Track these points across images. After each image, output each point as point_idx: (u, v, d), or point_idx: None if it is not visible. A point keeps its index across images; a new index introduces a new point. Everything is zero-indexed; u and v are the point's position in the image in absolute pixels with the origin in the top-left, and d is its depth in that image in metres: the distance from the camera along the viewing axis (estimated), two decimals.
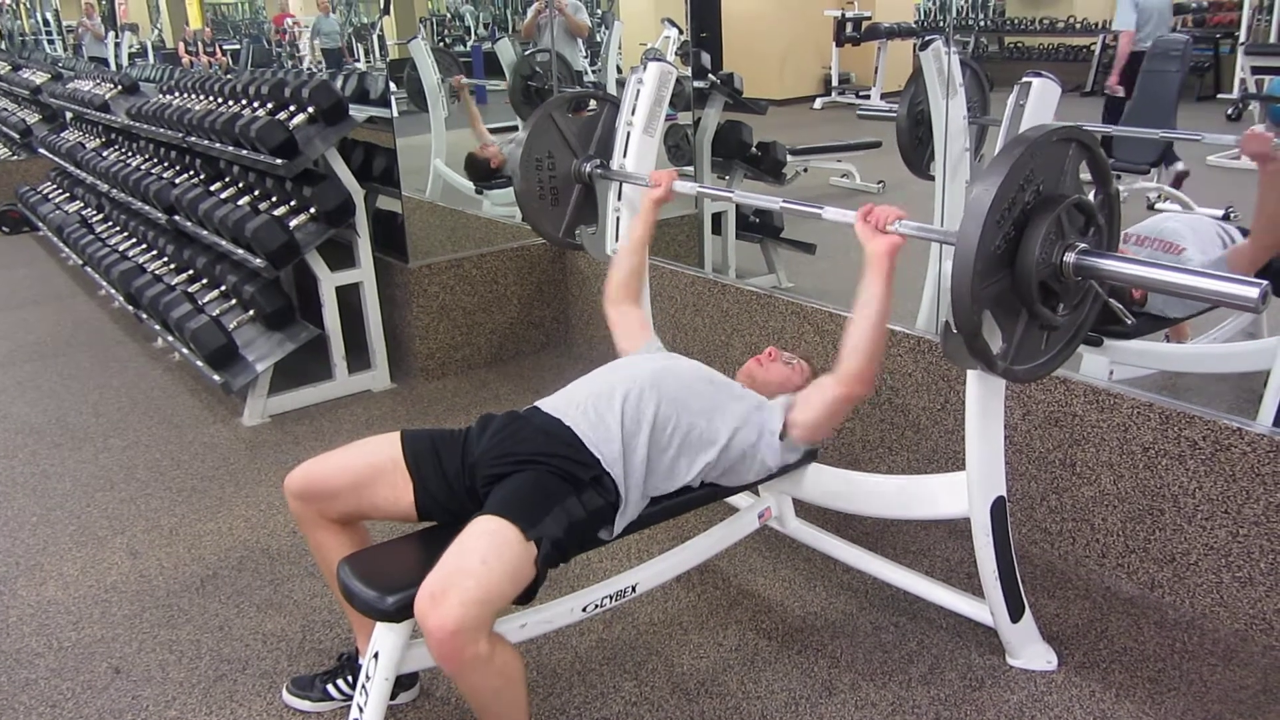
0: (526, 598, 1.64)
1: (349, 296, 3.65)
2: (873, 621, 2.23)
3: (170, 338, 3.82)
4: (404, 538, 1.83)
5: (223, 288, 3.74)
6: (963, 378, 1.91)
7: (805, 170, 5.87)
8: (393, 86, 3.96)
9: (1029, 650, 2.05)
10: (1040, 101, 1.79)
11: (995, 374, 1.71)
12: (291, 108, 3.51)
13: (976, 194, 1.53)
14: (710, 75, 4.35)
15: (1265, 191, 2.50)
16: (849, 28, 8.98)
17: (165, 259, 4.24)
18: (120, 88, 5.32)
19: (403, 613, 1.60)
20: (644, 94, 2.51)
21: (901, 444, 2.73)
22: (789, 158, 4.65)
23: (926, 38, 3.24)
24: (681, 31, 5.03)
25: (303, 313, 3.69)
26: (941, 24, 7.97)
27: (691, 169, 4.23)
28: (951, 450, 2.60)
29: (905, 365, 2.64)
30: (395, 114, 3.72)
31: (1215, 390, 2.94)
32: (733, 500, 2.39)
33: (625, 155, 2.54)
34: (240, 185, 3.81)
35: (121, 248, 4.59)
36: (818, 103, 9.18)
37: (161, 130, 4.31)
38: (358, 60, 7.74)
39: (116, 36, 9.06)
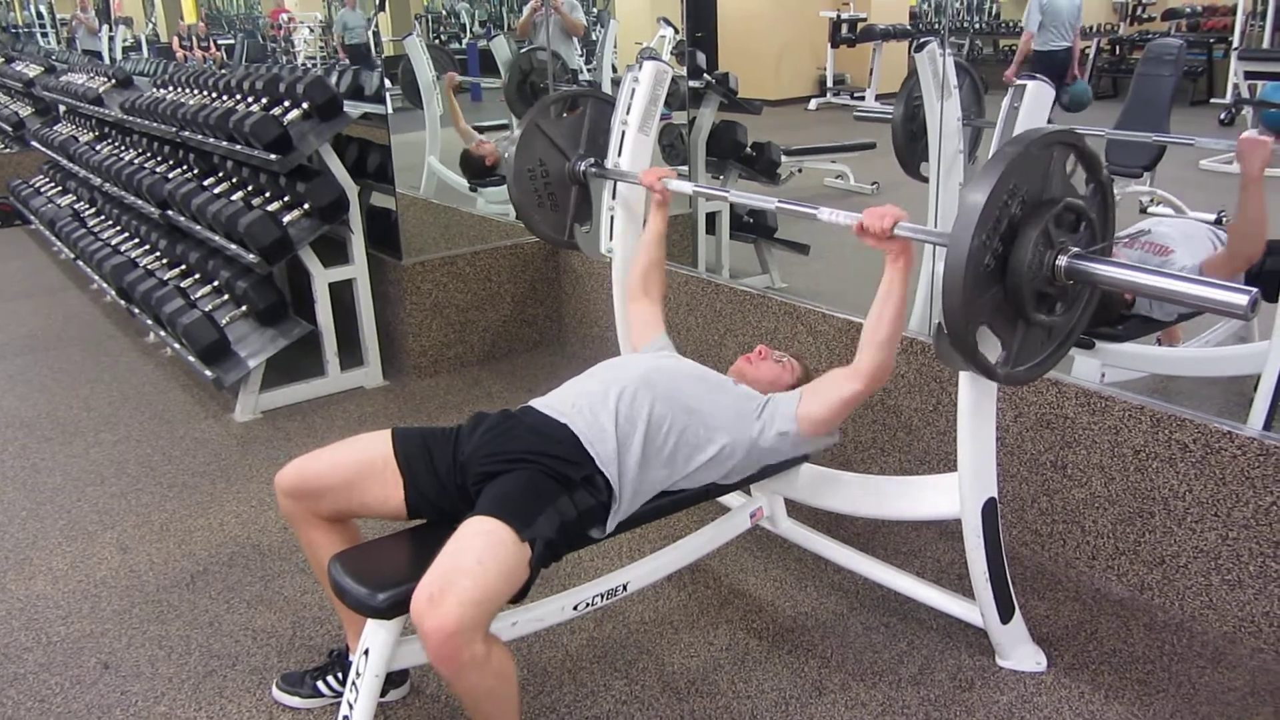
0: (518, 597, 1.64)
1: (342, 293, 3.65)
2: (863, 622, 2.23)
3: (162, 333, 3.81)
4: (395, 535, 1.83)
5: (215, 283, 3.72)
6: (955, 379, 1.91)
7: (800, 171, 5.87)
8: (387, 83, 3.95)
9: (1019, 651, 2.06)
10: (1034, 104, 1.80)
11: (999, 381, 1.72)
12: (286, 103, 3.50)
13: (965, 204, 1.52)
14: (705, 75, 4.35)
15: (1247, 199, 2.51)
16: (844, 29, 8.98)
17: (158, 254, 4.23)
18: (114, 81, 5.30)
19: (394, 609, 1.60)
20: (639, 93, 2.51)
21: (893, 445, 2.73)
22: (783, 158, 4.65)
23: (921, 40, 3.24)
24: (677, 31, 5.03)
25: (295, 309, 3.68)
26: (937, 26, 7.98)
27: (686, 168, 4.24)
28: (943, 451, 2.60)
29: (898, 366, 2.64)
30: (390, 110, 3.72)
31: (1206, 394, 2.95)
32: (724, 500, 2.39)
33: (620, 154, 2.54)
34: (234, 180, 3.80)
35: (114, 242, 4.57)
36: (813, 104, 9.18)
37: (155, 125, 4.30)
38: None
39: (111, 30, 9.03)
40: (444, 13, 9.46)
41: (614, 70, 5.51)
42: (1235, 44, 6.48)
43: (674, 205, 2.41)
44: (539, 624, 1.87)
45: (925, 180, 3.43)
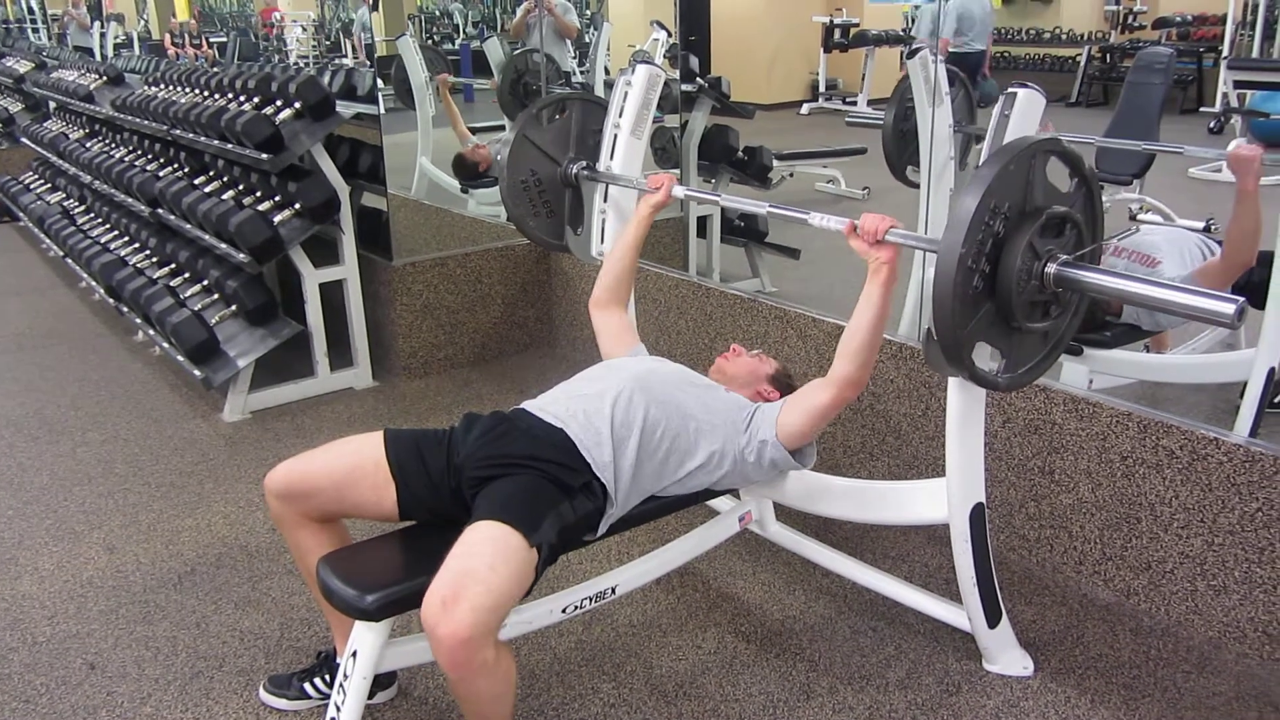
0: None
1: (332, 293, 3.64)
2: (851, 626, 2.24)
3: (151, 331, 3.79)
4: (384, 536, 1.83)
5: (205, 282, 3.71)
6: (944, 384, 1.92)
7: (791, 175, 5.89)
8: (380, 83, 3.94)
9: (1006, 656, 2.07)
10: (1025, 112, 1.81)
11: (1002, 390, 1.72)
12: (278, 102, 3.49)
13: (955, 211, 1.53)
14: (698, 79, 4.36)
15: (1241, 207, 2.52)
16: (837, 34, 9.00)
17: (147, 252, 4.21)
18: (105, 78, 5.28)
19: (382, 611, 1.60)
20: (632, 97, 2.51)
21: (882, 450, 2.74)
22: (775, 163, 4.66)
23: (914, 46, 3.26)
24: (670, 34, 5.03)
25: (285, 309, 3.67)
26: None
27: (678, 171, 4.24)
28: (932, 456, 2.61)
29: (887, 372, 2.65)
30: (382, 111, 3.71)
31: (1193, 400, 2.97)
32: (713, 504, 2.39)
33: (612, 158, 2.54)
34: (225, 179, 3.78)
35: (103, 240, 4.55)
36: (805, 108, 9.20)
37: (146, 122, 4.28)
38: (344, 56, 7.70)
39: (102, 27, 8.98)
40: (437, 13, 9.45)
41: (607, 73, 5.51)
42: (1225, 53, 6.52)
43: (665, 209, 2.41)
44: (528, 626, 1.87)
45: (913, 185, 3.44)
